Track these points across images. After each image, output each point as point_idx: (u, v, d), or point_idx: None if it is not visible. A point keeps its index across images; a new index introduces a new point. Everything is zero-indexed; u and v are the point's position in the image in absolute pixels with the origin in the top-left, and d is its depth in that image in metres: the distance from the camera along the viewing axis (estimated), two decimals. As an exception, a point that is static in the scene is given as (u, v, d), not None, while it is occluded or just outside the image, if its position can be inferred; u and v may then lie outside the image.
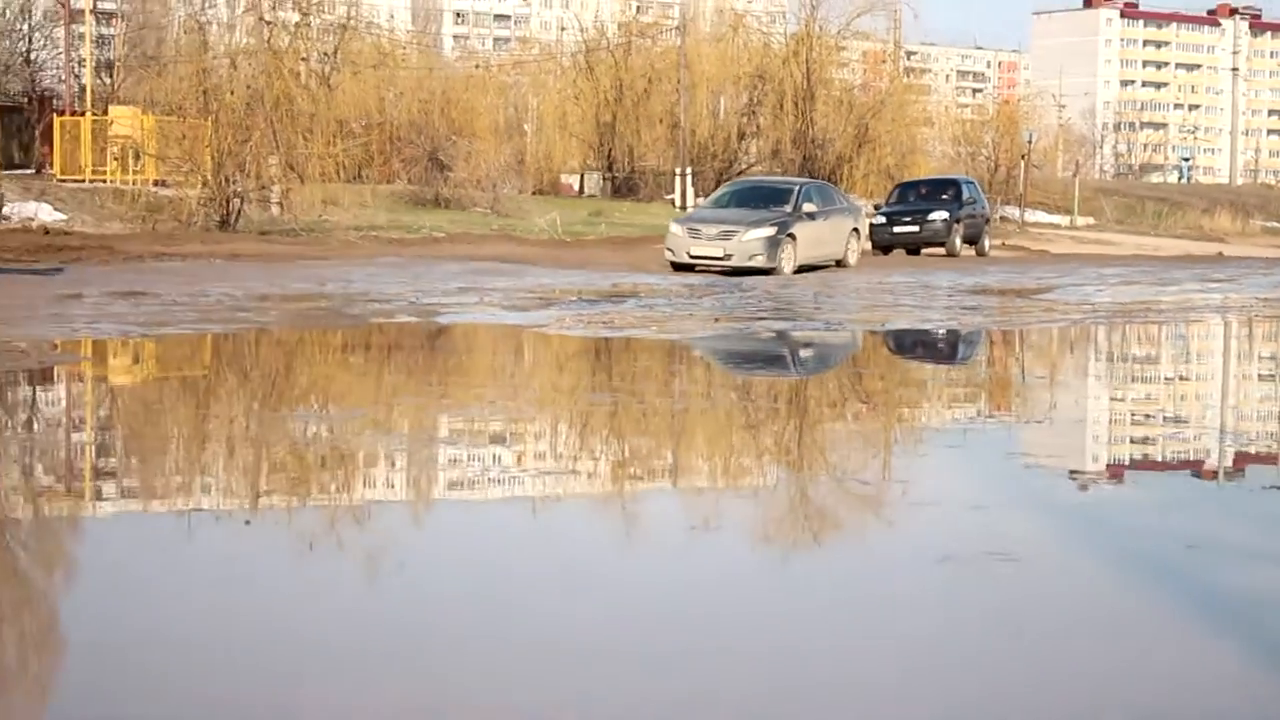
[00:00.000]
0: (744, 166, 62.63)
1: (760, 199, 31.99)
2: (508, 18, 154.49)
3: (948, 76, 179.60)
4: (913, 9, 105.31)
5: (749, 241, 29.53)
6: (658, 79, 63.54)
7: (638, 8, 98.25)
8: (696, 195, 55.89)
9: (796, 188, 32.95)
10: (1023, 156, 71.50)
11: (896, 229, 39.84)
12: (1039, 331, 19.42)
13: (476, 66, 75.39)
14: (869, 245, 37.38)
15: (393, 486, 8.56)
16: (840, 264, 32.29)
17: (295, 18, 48.22)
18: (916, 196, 41.92)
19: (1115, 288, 28.37)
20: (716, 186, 61.80)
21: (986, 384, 14.31)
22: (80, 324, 15.75)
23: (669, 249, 30.75)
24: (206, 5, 63.05)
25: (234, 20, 46.02)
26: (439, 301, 20.32)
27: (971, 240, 40.96)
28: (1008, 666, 5.25)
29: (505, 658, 5.16)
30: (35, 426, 10.47)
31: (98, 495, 8.33)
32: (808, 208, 31.31)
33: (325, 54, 51.37)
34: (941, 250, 39.66)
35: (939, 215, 39.69)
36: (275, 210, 41.36)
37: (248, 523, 7.42)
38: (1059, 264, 40.53)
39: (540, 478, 8.85)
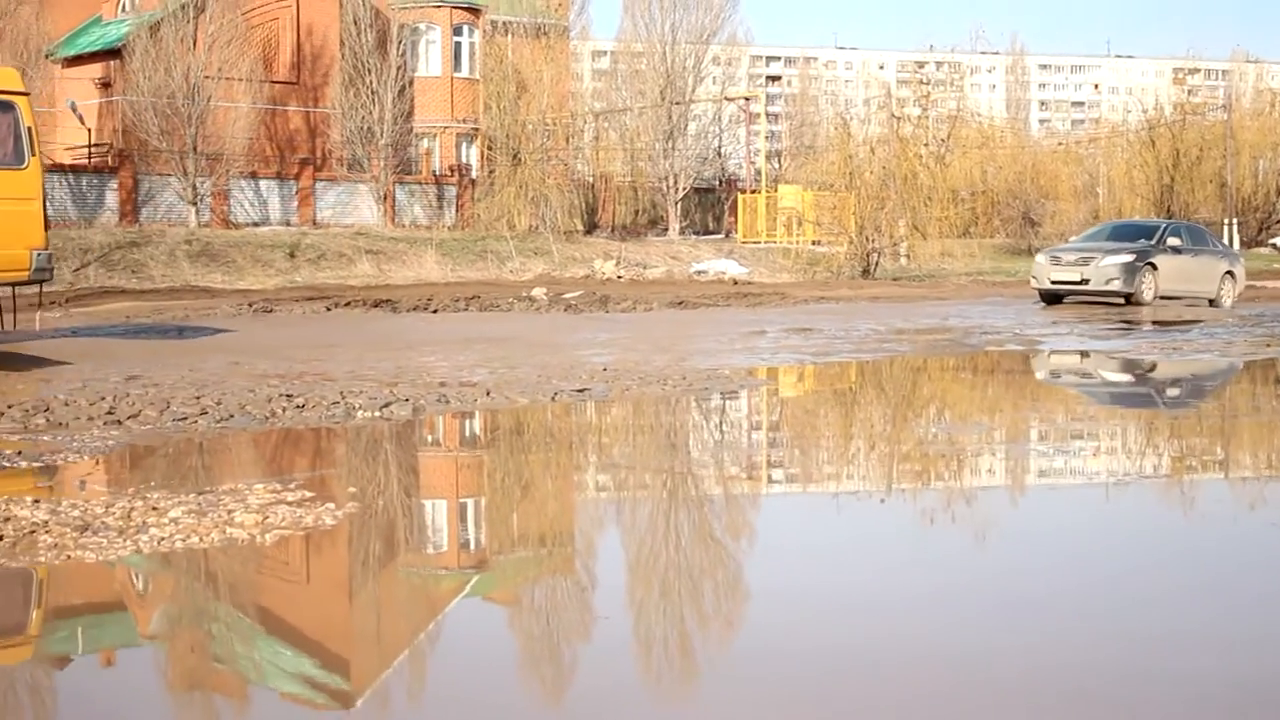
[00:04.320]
0: (1280, 217, 59.56)
1: (1127, 234, 27.38)
2: (1082, 104, 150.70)
3: None
4: None
5: (1105, 267, 25.23)
6: (1207, 148, 60.63)
7: (1189, 91, 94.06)
8: (1240, 241, 53.11)
9: (1163, 225, 28.02)
10: None
11: None
12: None
13: (1059, 143, 73.67)
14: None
15: (993, 473, 8.47)
16: (1213, 303, 26.58)
17: (917, 112, 48.47)
18: None
19: None
20: (1258, 234, 58.71)
21: None
22: (765, 354, 16.05)
23: (1033, 276, 26.77)
24: (849, 105, 63.87)
25: (870, 116, 46.37)
26: (1038, 333, 19.74)
27: None
28: None
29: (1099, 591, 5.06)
30: (730, 429, 10.82)
31: (769, 479, 8.57)
32: (1172, 242, 26.32)
33: (940, 139, 51.22)
34: None
35: None
36: (904, 261, 41.62)
37: (882, 501, 7.49)
38: None
39: (1107, 469, 8.63)
